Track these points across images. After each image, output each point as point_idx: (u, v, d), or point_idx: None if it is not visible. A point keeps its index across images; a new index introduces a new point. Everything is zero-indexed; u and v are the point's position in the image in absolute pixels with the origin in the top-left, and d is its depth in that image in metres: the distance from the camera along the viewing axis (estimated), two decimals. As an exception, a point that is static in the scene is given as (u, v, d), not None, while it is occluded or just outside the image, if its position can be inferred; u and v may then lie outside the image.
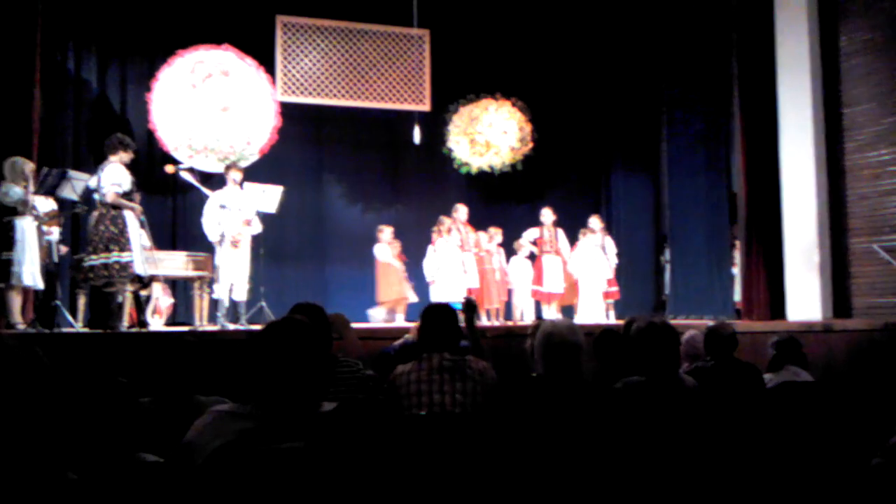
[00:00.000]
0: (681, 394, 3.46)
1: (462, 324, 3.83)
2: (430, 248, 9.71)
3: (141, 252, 6.82)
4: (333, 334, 3.60)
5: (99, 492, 2.29)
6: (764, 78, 9.09)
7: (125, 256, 6.61)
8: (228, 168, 8.28)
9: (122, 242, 6.64)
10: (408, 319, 9.62)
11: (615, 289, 10.12)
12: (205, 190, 7.86)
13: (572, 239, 10.28)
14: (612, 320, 9.68)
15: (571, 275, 10.09)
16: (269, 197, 8.24)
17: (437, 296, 9.18)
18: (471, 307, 4.10)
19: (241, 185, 8.10)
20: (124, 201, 6.74)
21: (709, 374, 4.15)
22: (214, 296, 7.89)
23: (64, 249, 7.75)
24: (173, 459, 2.30)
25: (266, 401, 2.27)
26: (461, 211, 9.69)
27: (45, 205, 7.25)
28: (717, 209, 10.50)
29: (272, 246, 9.04)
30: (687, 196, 10.81)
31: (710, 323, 4.70)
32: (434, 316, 3.53)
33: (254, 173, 8.95)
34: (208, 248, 8.16)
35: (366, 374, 3.41)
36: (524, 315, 10.14)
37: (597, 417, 3.06)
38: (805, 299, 8.72)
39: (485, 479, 2.82)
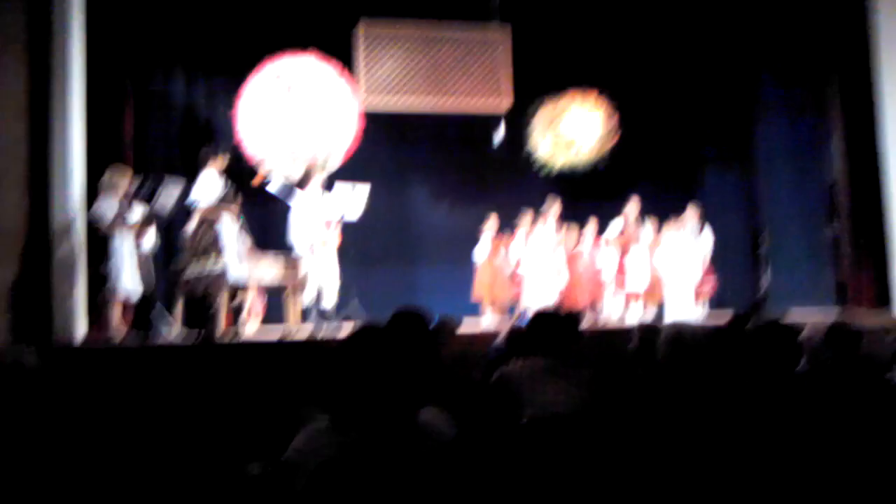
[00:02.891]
0: (794, 394, 3.24)
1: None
2: (512, 244, 9.55)
3: (238, 257, 6.85)
4: (441, 340, 3.53)
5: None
6: (862, 62, 8.66)
7: (220, 265, 6.66)
8: (311, 171, 8.25)
9: (217, 250, 6.70)
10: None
11: (710, 281, 9.72)
12: (290, 201, 7.85)
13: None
14: (704, 313, 9.33)
15: (657, 269, 9.76)
16: (358, 196, 8.18)
17: (526, 297, 9.00)
18: (573, 316, 4.03)
19: (327, 187, 8.06)
20: (219, 207, 6.78)
21: (830, 371, 3.88)
22: (304, 304, 7.90)
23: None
24: (275, 477, 2.23)
25: (361, 414, 2.18)
26: (554, 206, 9.47)
27: (139, 213, 7.38)
28: (816, 199, 10.08)
29: (360, 249, 9.02)
30: (782, 186, 10.43)
31: (828, 318, 4.40)
32: (543, 322, 3.53)
33: (338, 179, 8.93)
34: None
35: (472, 380, 3.31)
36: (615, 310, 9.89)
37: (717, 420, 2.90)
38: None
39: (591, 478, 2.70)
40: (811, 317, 5.92)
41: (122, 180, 7.20)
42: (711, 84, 11.25)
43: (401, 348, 2.16)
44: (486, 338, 5.66)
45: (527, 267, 9.13)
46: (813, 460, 2.95)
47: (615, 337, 5.97)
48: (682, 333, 3.03)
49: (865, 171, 8.62)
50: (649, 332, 3.56)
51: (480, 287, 9.57)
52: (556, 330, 3.51)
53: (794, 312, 7.70)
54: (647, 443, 2.71)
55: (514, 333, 4.26)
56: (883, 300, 8.37)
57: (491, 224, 9.68)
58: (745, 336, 3.22)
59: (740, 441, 2.83)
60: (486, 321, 9.41)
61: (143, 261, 7.31)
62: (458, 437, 2.18)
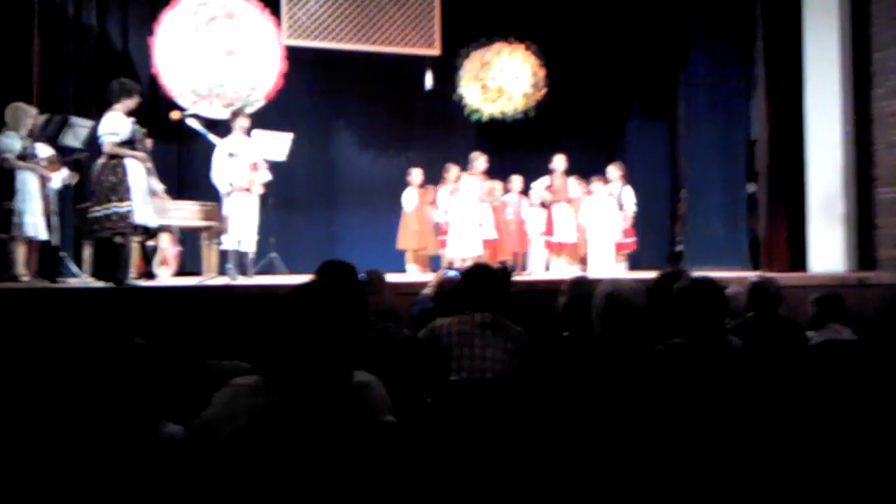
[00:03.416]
0: (727, 355, 3.26)
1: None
2: (437, 197, 9.47)
3: (145, 201, 6.55)
4: (369, 292, 3.43)
5: (118, 466, 2.08)
6: (789, 20, 8.71)
7: (124, 206, 6.36)
8: (235, 115, 8.01)
9: (121, 192, 6.38)
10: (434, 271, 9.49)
11: (631, 240, 9.82)
12: (212, 137, 7.59)
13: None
14: (625, 273, 9.43)
15: (583, 225, 9.82)
16: (279, 144, 7.97)
17: (451, 249, 8.93)
18: (506, 272, 3.99)
19: (248, 132, 7.82)
20: (123, 150, 6.44)
21: (751, 331, 3.94)
22: (223, 247, 7.69)
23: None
24: (192, 438, 2.07)
25: (293, 373, 2.04)
26: (479, 160, 9.37)
27: (46, 152, 7.00)
28: (735, 158, 10.23)
29: (281, 195, 8.80)
30: (704, 144, 10.53)
31: (752, 277, 4.45)
32: (478, 277, 3.48)
33: (260, 120, 8.65)
34: (214, 197, 7.92)
35: (402, 337, 3.21)
36: (537, 266, 9.94)
37: (644, 381, 2.89)
38: (828, 251, 8.47)
39: (526, 444, 2.65)
40: (728, 277, 6.01)
41: (28, 114, 6.76)
42: (638, 41, 11.28)
43: (338, 303, 2.03)
44: (412, 290, 5.57)
45: (452, 219, 9.03)
46: (740, 419, 2.98)
47: (543, 292, 5.96)
48: (619, 290, 2.96)
49: (787, 132, 8.73)
50: (579, 287, 3.49)
51: (406, 237, 9.48)
52: (489, 285, 3.46)
53: (709, 273, 7.84)
54: (582, 408, 2.67)
55: (443, 287, 4.17)
56: (798, 263, 8.58)
57: (417, 174, 9.57)
58: (677, 294, 3.18)
59: (672, 403, 2.81)
60: (410, 273, 9.32)
61: (49, 202, 6.92)
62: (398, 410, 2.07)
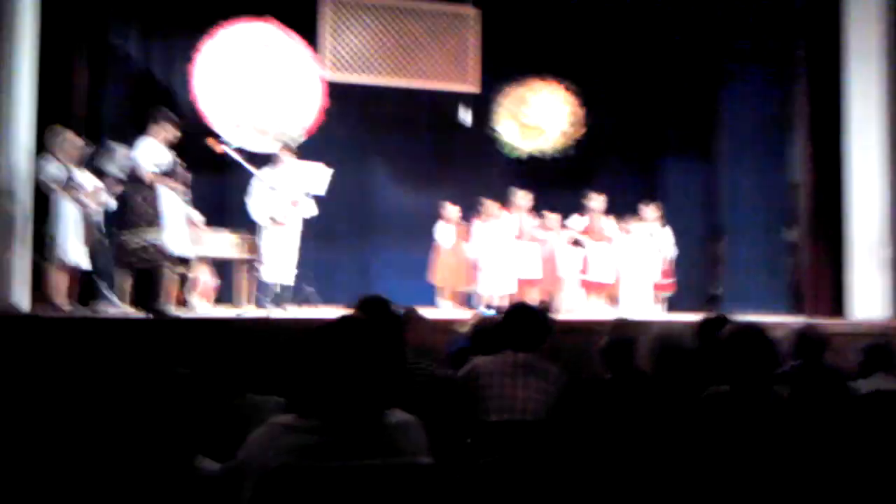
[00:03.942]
0: (774, 405, 3.16)
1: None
2: (472, 233, 9.48)
3: (181, 231, 6.59)
4: (407, 331, 3.39)
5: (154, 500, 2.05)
6: (831, 61, 8.65)
7: (160, 236, 6.39)
8: (275, 146, 8.06)
9: (156, 222, 6.42)
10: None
11: (669, 281, 9.71)
12: (251, 169, 7.64)
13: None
14: (664, 314, 9.31)
15: (617, 266, 9.72)
16: (319, 178, 8.01)
17: (484, 286, 8.89)
18: (546, 312, 3.95)
19: (289, 166, 7.87)
20: (162, 178, 6.47)
21: (796, 379, 3.82)
22: (262, 279, 7.71)
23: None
24: (227, 477, 2.04)
25: (328, 411, 2.00)
26: (520, 196, 9.34)
27: (89, 180, 7.08)
28: (775, 200, 10.13)
29: (318, 228, 8.83)
30: (743, 185, 10.48)
31: (796, 323, 4.34)
32: (520, 316, 3.48)
33: (299, 154, 8.71)
34: (251, 227, 7.96)
35: (438, 376, 3.16)
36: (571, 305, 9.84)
37: (691, 429, 2.81)
38: (871, 297, 8.32)
39: (565, 489, 2.58)
40: (767, 322, 5.87)
41: (72, 142, 6.87)
42: (676, 80, 11.24)
43: (375, 339, 1.99)
44: (446, 327, 5.52)
45: (486, 255, 8.99)
46: (788, 471, 2.88)
47: (579, 332, 5.87)
48: (671, 332, 2.91)
49: (829, 175, 8.62)
50: (621, 329, 3.43)
51: (440, 273, 9.44)
52: (530, 325, 3.44)
53: (748, 317, 7.70)
54: (624, 453, 2.60)
55: (481, 326, 4.12)
56: (839, 309, 8.41)
57: (453, 210, 9.56)
58: (724, 340, 3.10)
59: (718, 452, 2.73)
60: (444, 309, 9.30)
61: (90, 230, 7.00)
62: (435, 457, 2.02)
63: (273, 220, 7.50)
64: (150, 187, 6.47)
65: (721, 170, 11.04)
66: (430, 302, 9.40)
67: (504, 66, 10.58)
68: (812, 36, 8.78)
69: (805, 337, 4.07)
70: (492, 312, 5.41)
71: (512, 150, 10.68)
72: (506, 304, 8.54)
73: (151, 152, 6.51)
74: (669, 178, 11.68)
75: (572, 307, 9.80)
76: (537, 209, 10.00)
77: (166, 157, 6.57)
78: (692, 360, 2.84)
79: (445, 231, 9.45)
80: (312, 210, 7.97)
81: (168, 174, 6.59)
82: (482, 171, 10.94)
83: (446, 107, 10.56)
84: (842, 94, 8.57)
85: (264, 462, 1.90)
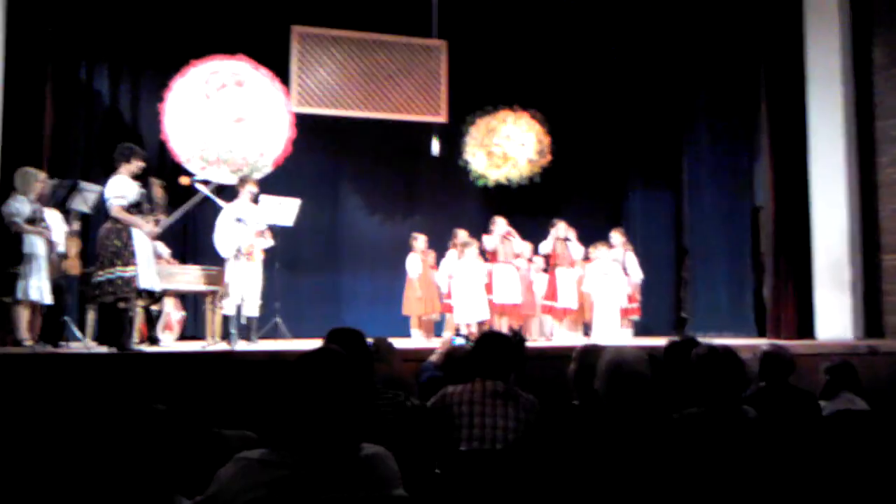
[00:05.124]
0: (743, 426, 3.19)
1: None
2: (443, 262, 9.49)
3: (150, 266, 6.52)
4: (377, 361, 3.38)
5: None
6: (793, 89, 8.78)
7: (129, 271, 6.31)
8: (243, 181, 8.06)
9: (125, 256, 6.33)
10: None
11: (635, 305, 9.77)
12: (220, 202, 7.61)
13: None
14: (631, 339, 9.35)
15: (584, 291, 9.76)
16: (286, 210, 8.00)
17: (458, 314, 8.90)
18: (520, 340, 3.96)
19: (256, 198, 7.86)
20: (128, 216, 6.42)
21: (764, 400, 3.86)
22: (225, 312, 7.65)
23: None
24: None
25: (300, 444, 1.98)
26: (499, 224, 9.39)
27: (54, 217, 7.01)
28: (740, 224, 10.26)
29: (287, 259, 8.81)
30: (708, 210, 10.59)
31: (763, 345, 4.38)
32: (491, 344, 3.44)
33: (268, 185, 8.71)
34: (219, 261, 7.92)
35: (409, 406, 3.14)
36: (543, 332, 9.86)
37: (658, 452, 2.82)
38: (835, 318, 8.40)
39: None
40: (734, 345, 5.94)
41: (37, 179, 6.80)
42: (642, 108, 11.43)
43: (347, 371, 1.98)
44: (418, 356, 5.50)
45: (458, 283, 9.00)
46: (757, 490, 2.90)
47: (551, 359, 5.88)
48: (622, 358, 2.92)
49: (792, 199, 8.73)
50: (589, 355, 3.44)
51: (410, 303, 9.43)
52: (502, 353, 3.42)
53: (714, 340, 7.78)
54: (593, 480, 2.60)
55: (451, 355, 4.11)
56: (804, 330, 8.49)
57: (421, 239, 9.57)
58: (695, 362, 3.13)
59: (688, 475, 2.74)
60: (415, 339, 9.26)
61: (55, 266, 6.91)
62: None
63: (239, 252, 7.46)
64: (119, 222, 6.39)
65: (686, 194, 11.19)
66: (404, 332, 9.38)
67: (472, 96, 10.68)
68: (773, 61, 8.93)
69: (772, 358, 4.11)
70: (462, 341, 5.41)
71: (480, 179, 10.75)
72: (477, 331, 8.55)
73: (122, 186, 6.45)
74: (635, 203, 11.81)
75: (546, 334, 9.82)
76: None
77: (135, 191, 6.51)
78: (644, 384, 2.86)
79: (413, 261, 9.45)
80: (269, 241, 7.99)
81: (137, 207, 6.52)
82: (451, 199, 11.01)
83: (416, 137, 10.62)
84: (806, 118, 8.70)
85: (236, 497, 1.87)
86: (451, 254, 9.38)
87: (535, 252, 9.83)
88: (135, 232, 6.42)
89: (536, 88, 10.99)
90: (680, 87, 11.03)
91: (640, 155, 11.64)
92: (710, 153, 10.62)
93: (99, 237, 6.52)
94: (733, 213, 10.34)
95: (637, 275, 9.81)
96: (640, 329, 10.11)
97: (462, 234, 9.37)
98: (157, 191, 7.55)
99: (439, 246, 9.67)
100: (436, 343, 6.50)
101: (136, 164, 6.59)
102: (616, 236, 9.78)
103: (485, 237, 9.34)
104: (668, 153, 11.47)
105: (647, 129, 11.46)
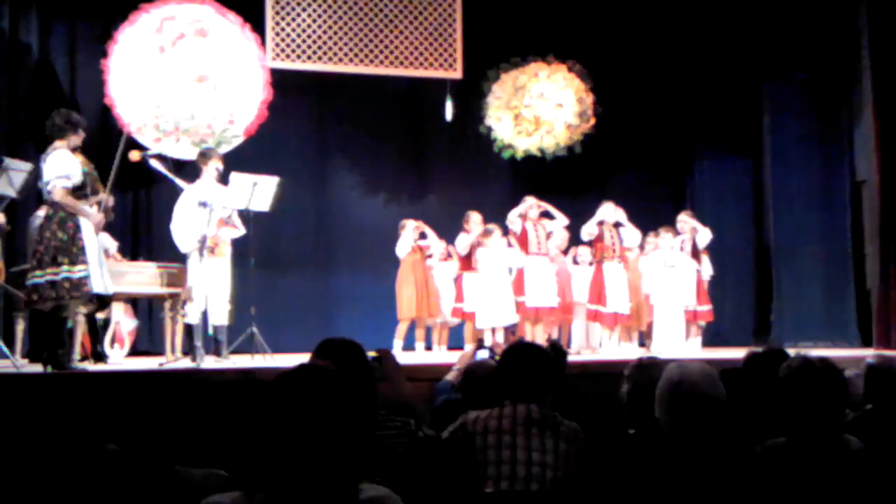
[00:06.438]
0: (845, 460, 3.17)
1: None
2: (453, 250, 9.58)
3: (101, 264, 6.54)
4: (380, 381, 3.39)
5: None
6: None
7: (78, 271, 6.31)
8: (207, 155, 8.05)
9: (73, 253, 6.33)
10: (451, 347, 9.44)
11: (707, 308, 9.73)
12: (179, 182, 7.62)
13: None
14: (699, 350, 9.33)
15: (640, 290, 9.73)
16: (262, 191, 8.01)
17: (481, 318, 8.91)
18: (559, 353, 3.95)
19: (224, 177, 7.87)
20: (74, 201, 6.40)
21: (870, 427, 3.83)
22: (188, 320, 7.68)
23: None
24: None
25: (282, 487, 1.99)
26: (530, 206, 9.35)
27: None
28: (837, 204, 10.22)
29: (264, 254, 8.81)
30: (796, 187, 10.56)
31: (868, 356, 4.36)
32: (522, 358, 3.43)
33: (239, 161, 8.72)
34: (179, 257, 7.94)
35: (421, 437, 3.15)
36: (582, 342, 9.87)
37: (735, 494, 2.82)
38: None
39: None
40: (833, 357, 5.91)
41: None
42: (711, 57, 11.33)
43: (341, 394, 1.98)
44: (431, 374, 5.51)
45: (481, 280, 9.01)
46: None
47: (598, 377, 5.87)
48: (686, 377, 2.92)
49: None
50: (647, 371, 3.44)
51: (404, 302, 9.40)
52: (536, 370, 3.42)
53: (807, 351, 7.74)
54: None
55: (472, 372, 4.11)
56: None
57: (410, 227, 9.50)
58: (784, 380, 3.12)
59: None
60: (426, 354, 9.29)
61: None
62: None
63: (203, 245, 7.47)
64: (64, 209, 6.38)
65: (768, 167, 11.12)
66: (408, 343, 9.40)
67: (495, 45, 10.66)
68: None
69: (880, 373, 4.08)
70: (486, 354, 5.40)
71: (506, 150, 10.74)
72: (504, 342, 8.55)
73: (65, 164, 6.42)
74: (702, 179, 11.78)
75: (593, 345, 9.81)
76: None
77: (77, 170, 6.48)
78: (715, 408, 2.85)
79: (402, 249, 9.42)
80: (239, 230, 7.98)
81: (81, 189, 6.50)
82: (470, 177, 11.03)
83: (424, 98, 10.62)
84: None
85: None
86: (462, 240, 9.34)
87: (577, 241, 9.80)
88: (82, 222, 6.42)
89: (576, 34, 10.95)
90: (758, 29, 10.94)
91: (709, 117, 11.57)
92: (797, 115, 10.57)
93: (34, 229, 6.52)
94: (828, 190, 10.33)
95: (708, 270, 9.76)
96: (712, 338, 10.09)
97: (476, 218, 9.34)
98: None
99: (455, 235, 9.63)
100: (453, 358, 6.49)
101: (78, 137, 6.59)
102: (685, 219, 9.73)
103: (509, 216, 9.27)
104: (744, 115, 11.40)
105: (718, 85, 11.37)
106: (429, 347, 9.60)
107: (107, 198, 6.70)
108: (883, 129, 8.88)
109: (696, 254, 9.61)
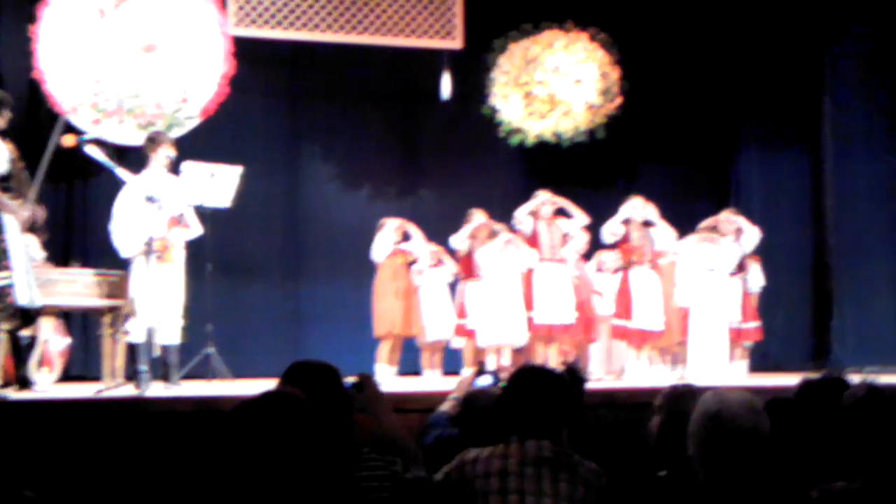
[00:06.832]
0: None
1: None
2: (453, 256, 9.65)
3: (28, 272, 6.57)
4: (361, 412, 3.40)
5: None
6: None
7: (1, 279, 6.36)
8: (156, 141, 8.08)
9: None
10: (447, 372, 9.52)
11: (755, 325, 9.77)
12: (121, 173, 7.64)
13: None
14: (746, 375, 9.36)
15: (677, 303, 9.76)
16: (221, 183, 8.03)
17: (483, 335, 8.94)
18: (577, 379, 3.95)
19: (176, 166, 7.89)
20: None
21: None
22: (131, 339, 7.70)
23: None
24: None
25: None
26: (543, 200, 9.39)
27: None
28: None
29: (224, 259, 8.84)
30: (863, 182, 10.60)
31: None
32: (531, 386, 3.42)
33: (194, 148, 8.76)
34: (120, 263, 7.96)
35: (410, 479, 3.17)
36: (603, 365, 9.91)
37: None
38: None
39: None
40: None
41: None
42: (762, 24, 11.36)
43: (314, 428, 2.01)
44: (421, 404, 5.53)
45: (484, 291, 9.04)
46: None
47: (624, 408, 5.88)
48: (725, 408, 2.93)
49: None
50: (681, 401, 3.46)
51: (382, 316, 9.43)
52: (548, 399, 3.41)
53: (876, 377, 7.78)
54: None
55: (475, 402, 4.13)
56: None
57: (391, 226, 9.55)
58: (847, 412, 3.14)
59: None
60: (415, 378, 9.32)
61: None
62: None
63: (150, 249, 7.49)
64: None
65: (829, 159, 11.17)
66: (405, 367, 9.45)
67: (502, 9, 10.71)
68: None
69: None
70: (489, 381, 5.40)
71: (514, 134, 10.78)
72: (511, 365, 8.56)
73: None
74: (749, 171, 11.84)
75: (617, 369, 9.83)
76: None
77: (4, 160, 6.53)
78: (759, 446, 2.87)
79: (379, 253, 9.46)
80: (194, 231, 7.99)
81: (5, 181, 6.55)
82: (472, 166, 11.05)
83: (417, 73, 10.68)
84: None
85: None
86: (456, 235, 9.37)
87: (599, 244, 9.82)
88: (6, 220, 6.45)
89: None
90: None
91: (757, 97, 11.63)
92: (863, 99, 10.60)
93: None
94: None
95: (758, 281, 9.79)
96: (761, 361, 10.14)
97: (480, 217, 9.37)
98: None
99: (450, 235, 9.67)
100: (449, 384, 6.51)
101: (5, 118, 6.63)
102: (728, 219, 9.73)
103: (517, 214, 9.31)
104: (802, 100, 11.47)
105: (769, 58, 11.42)
106: (416, 372, 9.62)
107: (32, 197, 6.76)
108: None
109: (741, 260, 9.64)
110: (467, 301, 9.35)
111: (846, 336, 10.71)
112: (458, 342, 9.63)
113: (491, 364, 8.81)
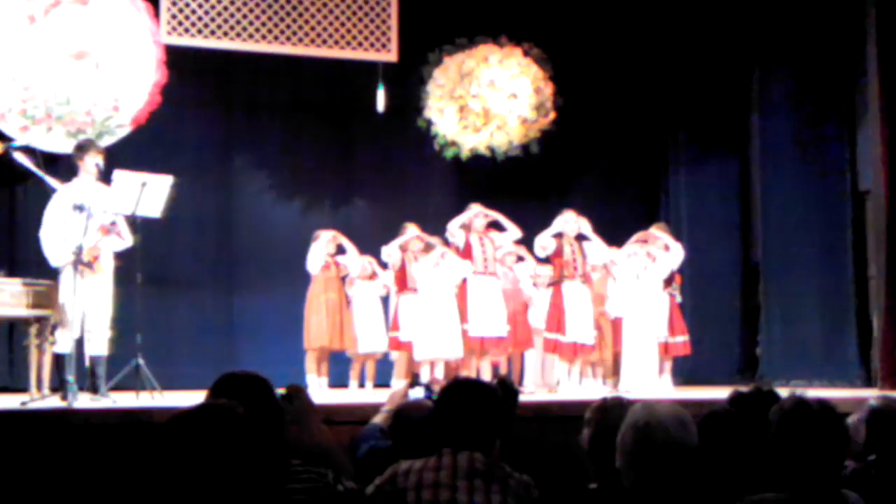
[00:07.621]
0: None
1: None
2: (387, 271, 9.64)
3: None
4: (292, 424, 3.37)
5: None
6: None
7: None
8: (85, 148, 7.99)
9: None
10: (378, 384, 9.47)
11: (683, 339, 9.84)
12: (50, 181, 7.54)
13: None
14: (672, 388, 9.42)
15: (607, 316, 9.81)
16: (152, 193, 7.95)
17: (420, 348, 8.93)
18: (510, 391, 3.95)
19: (106, 175, 7.81)
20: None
21: (873, 481, 3.90)
22: (57, 349, 7.61)
23: None
24: None
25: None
26: (476, 213, 9.40)
27: None
28: (836, 218, 10.37)
29: (154, 270, 8.75)
30: (790, 196, 10.67)
31: (870, 398, 4.43)
32: (464, 398, 3.43)
33: (125, 156, 8.68)
34: (48, 273, 7.86)
35: (341, 490, 3.14)
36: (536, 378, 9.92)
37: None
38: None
39: None
40: (831, 398, 6.03)
41: None
42: (692, 39, 11.51)
43: (244, 440, 1.99)
44: (353, 415, 5.51)
45: (421, 304, 9.03)
46: None
47: (556, 420, 5.89)
48: (654, 421, 2.95)
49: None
50: (611, 413, 3.48)
51: (319, 331, 9.41)
52: (481, 411, 3.41)
53: (801, 390, 7.87)
54: None
55: (407, 415, 4.12)
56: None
57: (325, 238, 9.53)
58: (777, 425, 3.16)
59: None
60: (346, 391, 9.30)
61: None
62: None
63: (79, 258, 7.41)
64: None
65: (757, 176, 11.29)
66: (340, 379, 9.46)
67: (437, 23, 10.75)
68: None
69: (885, 418, 4.15)
70: (421, 393, 5.40)
71: (449, 148, 10.81)
72: (444, 378, 8.55)
73: None
74: (679, 188, 11.94)
75: (550, 382, 9.85)
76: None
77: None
78: (687, 458, 2.89)
79: (313, 264, 9.44)
80: (124, 240, 7.92)
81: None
82: (403, 179, 11.10)
83: (352, 85, 10.65)
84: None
85: None
86: (387, 248, 9.36)
87: (534, 257, 9.85)
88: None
89: (533, 12, 11.04)
90: (748, 9, 11.10)
91: (688, 114, 11.77)
92: (791, 115, 10.71)
93: None
94: (826, 202, 10.45)
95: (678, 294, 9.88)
96: (688, 374, 10.23)
97: (414, 230, 9.38)
98: None
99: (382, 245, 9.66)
100: (381, 397, 6.50)
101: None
102: (657, 233, 9.81)
103: (450, 227, 9.31)
104: (730, 113, 11.62)
105: (700, 75, 11.56)
106: (343, 385, 9.60)
107: None
108: (892, 136, 9.01)
109: (670, 274, 9.71)
110: (401, 314, 9.33)
111: (773, 350, 10.79)
112: (393, 354, 9.60)
113: (424, 377, 8.80)
